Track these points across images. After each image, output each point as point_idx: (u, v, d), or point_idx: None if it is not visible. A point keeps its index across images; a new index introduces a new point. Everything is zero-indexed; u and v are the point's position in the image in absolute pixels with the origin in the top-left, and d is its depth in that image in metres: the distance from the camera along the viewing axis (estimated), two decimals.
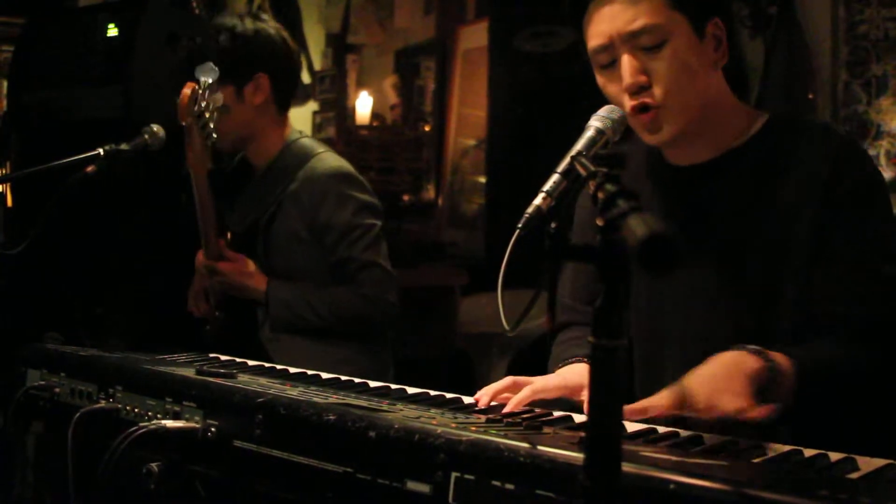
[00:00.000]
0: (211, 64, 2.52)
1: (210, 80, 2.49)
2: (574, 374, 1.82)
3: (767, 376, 1.52)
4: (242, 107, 2.71)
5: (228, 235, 2.84)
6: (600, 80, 1.80)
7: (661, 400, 1.51)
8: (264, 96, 2.78)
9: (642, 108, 1.73)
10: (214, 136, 2.52)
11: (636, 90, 1.72)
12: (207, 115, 2.48)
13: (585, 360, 1.88)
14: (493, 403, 1.73)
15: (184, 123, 2.51)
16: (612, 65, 1.75)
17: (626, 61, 1.72)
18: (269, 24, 2.84)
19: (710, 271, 1.80)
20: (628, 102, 1.74)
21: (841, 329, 1.70)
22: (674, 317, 1.85)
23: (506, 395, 1.74)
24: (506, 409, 1.68)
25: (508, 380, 1.75)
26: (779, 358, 1.55)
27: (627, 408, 1.52)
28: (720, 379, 1.48)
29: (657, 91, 1.72)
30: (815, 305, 1.71)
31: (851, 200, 1.71)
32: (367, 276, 2.74)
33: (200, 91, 2.47)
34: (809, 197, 1.72)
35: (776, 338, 1.64)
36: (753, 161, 1.79)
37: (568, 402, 1.81)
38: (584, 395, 1.74)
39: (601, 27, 1.74)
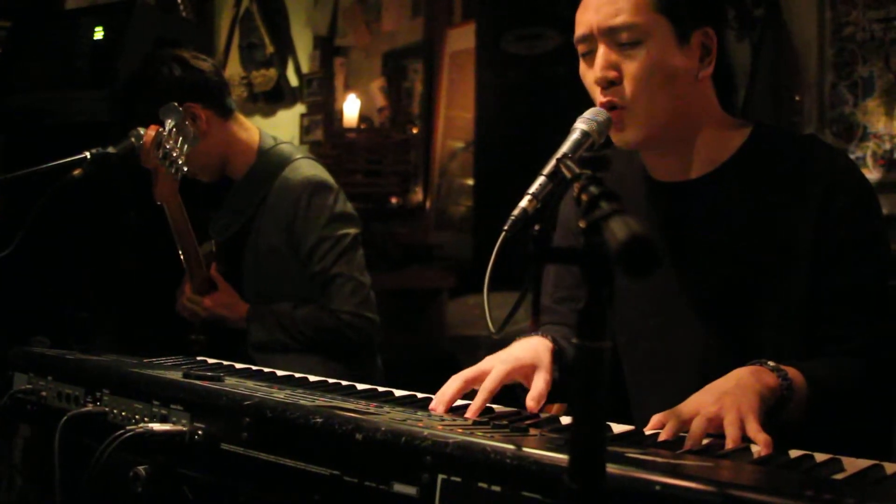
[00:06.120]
0: (174, 104, 2.46)
1: (174, 122, 2.44)
2: (528, 351, 1.76)
3: (782, 393, 1.52)
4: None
5: (214, 245, 2.83)
6: (581, 67, 1.82)
7: (664, 419, 1.50)
8: (205, 123, 2.74)
9: (610, 106, 1.74)
10: (185, 168, 2.47)
11: (606, 84, 1.74)
12: (175, 153, 2.44)
13: (545, 335, 1.83)
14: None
15: (149, 167, 2.47)
16: (591, 54, 1.77)
17: (601, 54, 1.74)
18: (164, 54, 2.80)
19: (699, 289, 1.79)
20: (599, 96, 1.75)
21: (845, 344, 1.70)
22: (663, 334, 1.84)
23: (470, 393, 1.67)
24: (467, 415, 1.62)
25: (458, 380, 1.67)
26: (793, 374, 1.55)
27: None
28: (730, 393, 1.47)
29: (626, 90, 1.73)
30: (817, 321, 1.71)
31: (848, 217, 1.71)
32: (336, 290, 2.72)
33: (165, 133, 2.43)
34: (802, 213, 1.72)
35: (768, 353, 1.63)
36: (740, 177, 1.78)
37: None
38: (539, 378, 1.70)
39: (586, 16, 1.76)
